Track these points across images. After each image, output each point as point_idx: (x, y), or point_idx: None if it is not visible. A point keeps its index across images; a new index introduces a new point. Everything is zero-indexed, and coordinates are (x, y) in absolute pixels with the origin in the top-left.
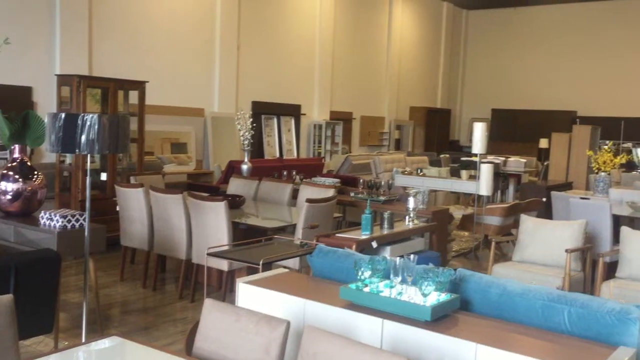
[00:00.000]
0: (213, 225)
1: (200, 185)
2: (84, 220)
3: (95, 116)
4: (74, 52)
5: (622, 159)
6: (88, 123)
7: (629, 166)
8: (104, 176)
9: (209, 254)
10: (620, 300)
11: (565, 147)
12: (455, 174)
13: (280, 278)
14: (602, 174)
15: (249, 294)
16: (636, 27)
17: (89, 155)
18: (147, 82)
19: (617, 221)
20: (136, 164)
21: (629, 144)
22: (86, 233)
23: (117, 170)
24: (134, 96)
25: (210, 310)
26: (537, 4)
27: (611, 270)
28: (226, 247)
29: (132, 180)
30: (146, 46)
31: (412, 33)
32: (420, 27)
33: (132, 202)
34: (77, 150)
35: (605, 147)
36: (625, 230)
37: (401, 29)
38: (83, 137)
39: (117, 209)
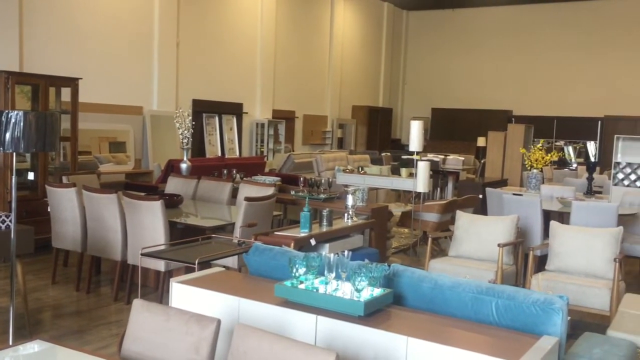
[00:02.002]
0: (149, 225)
1: (139, 185)
2: (10, 221)
3: (21, 113)
4: (3, 47)
5: (553, 156)
6: (13, 120)
7: (561, 163)
8: (31, 175)
9: (143, 254)
10: (548, 292)
11: (500, 145)
12: (395, 172)
13: (215, 277)
14: (534, 171)
15: (183, 294)
16: (567, 29)
17: (14, 154)
18: (81, 78)
19: (548, 216)
20: (70, 164)
21: (561, 142)
22: (12, 235)
23: (49, 170)
24: (67, 93)
25: (140, 310)
26: (475, 6)
27: (542, 263)
28: (162, 247)
29: (65, 180)
30: (81, 42)
31: (354, 33)
32: (361, 26)
33: (64, 202)
34: (1, 149)
35: (538, 145)
36: (554, 224)
37: (343, 28)
38: (7, 135)
39: (49, 209)
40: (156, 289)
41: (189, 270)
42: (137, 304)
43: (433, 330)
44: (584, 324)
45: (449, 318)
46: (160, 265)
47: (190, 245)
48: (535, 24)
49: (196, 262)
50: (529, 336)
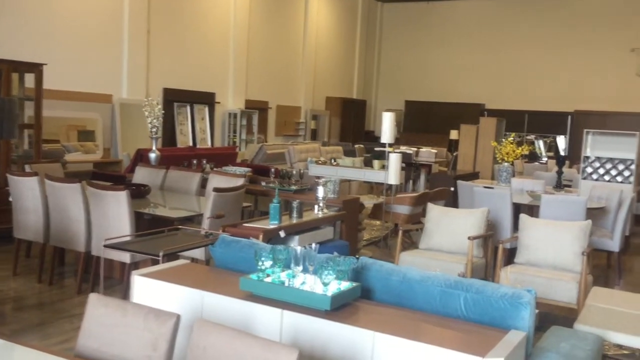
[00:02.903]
0: (114, 215)
1: (107, 174)
2: None
3: None
4: None
5: (524, 150)
6: None
7: (532, 157)
8: None
9: (106, 246)
10: (517, 285)
11: (473, 139)
12: (368, 163)
13: (179, 270)
14: (505, 164)
15: (145, 287)
16: (540, 24)
17: None
18: (45, 64)
19: (518, 209)
20: (34, 152)
21: (532, 136)
22: None
23: (13, 158)
24: (31, 80)
25: (96, 305)
26: None
27: (512, 256)
28: (127, 239)
29: (27, 168)
30: (47, 27)
31: (329, 23)
32: (336, 17)
33: (26, 191)
34: None
35: (509, 138)
36: (523, 217)
37: (317, 19)
38: None
39: (10, 199)
40: (122, 281)
41: (156, 262)
42: (93, 298)
43: (400, 324)
44: (552, 316)
45: (417, 312)
46: (125, 256)
47: (156, 236)
48: (509, 19)
49: (160, 254)
50: (497, 330)
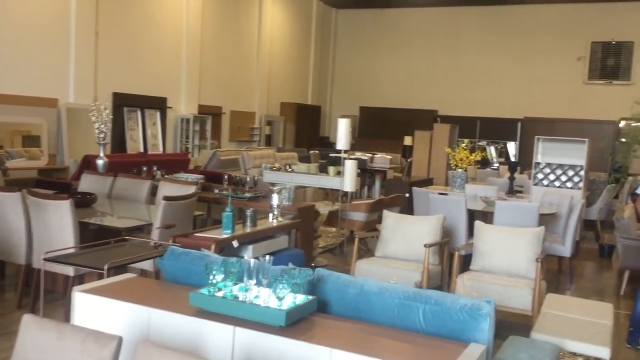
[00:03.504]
0: (57, 226)
1: (52, 182)
2: None
3: None
4: None
5: (477, 156)
6: None
7: (484, 163)
8: None
9: (46, 259)
10: (473, 293)
11: (427, 145)
12: (324, 170)
13: (125, 285)
14: (460, 170)
15: (87, 305)
16: (490, 32)
17: None
18: None
19: (472, 216)
20: None
21: (483, 143)
22: None
23: None
24: None
25: (30, 327)
26: (404, 6)
27: (467, 263)
28: (72, 251)
29: None
30: None
31: (283, 29)
32: (291, 23)
33: None
34: None
35: (462, 145)
36: (479, 224)
37: (272, 24)
38: None
39: None
40: (65, 295)
41: (102, 276)
42: (27, 320)
43: (359, 340)
44: (507, 324)
45: (375, 326)
46: (69, 270)
47: (102, 248)
48: (461, 26)
49: (105, 268)
50: (457, 344)
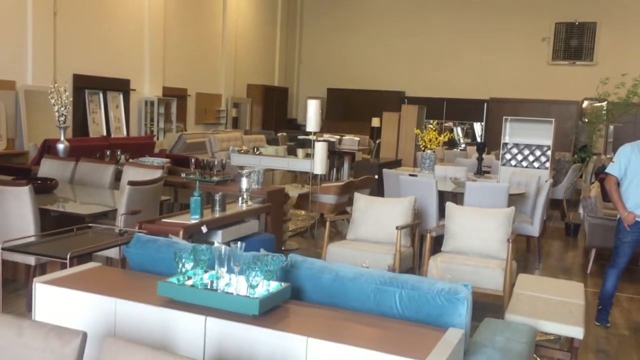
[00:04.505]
0: (15, 213)
1: (10, 167)
2: None
3: None
4: None
5: (445, 137)
6: None
7: (451, 144)
8: None
9: (3, 249)
10: (447, 276)
11: (395, 126)
12: (292, 152)
13: (89, 274)
14: (429, 151)
15: (49, 296)
16: (455, 12)
17: None
18: None
19: (442, 197)
20: None
21: (450, 123)
22: None
23: None
24: None
25: None
26: None
27: (437, 244)
28: (32, 239)
29: None
30: None
31: (249, 9)
32: (256, 3)
33: None
34: None
35: (430, 125)
36: (449, 205)
37: (237, 4)
38: None
39: None
40: (27, 285)
41: (65, 265)
42: None
43: (335, 327)
44: (479, 304)
45: (351, 312)
46: (29, 259)
47: (64, 236)
48: (427, 7)
49: (67, 256)
50: (434, 329)
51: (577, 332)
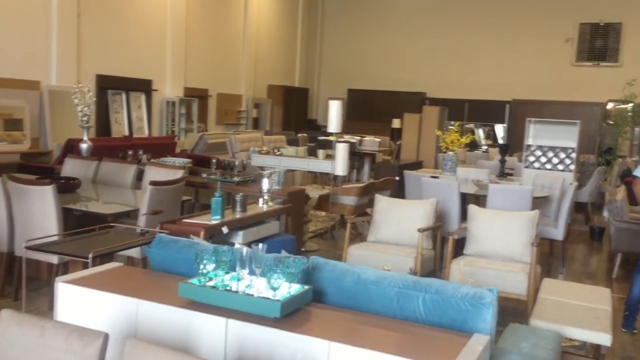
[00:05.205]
0: (39, 212)
1: (34, 166)
2: None
3: None
4: None
5: (467, 138)
6: None
7: (473, 145)
8: None
9: (27, 247)
10: (469, 279)
11: (416, 127)
12: (312, 153)
13: (110, 274)
14: (450, 153)
15: (71, 296)
16: (478, 13)
17: None
18: None
19: (465, 199)
20: None
21: (471, 125)
22: None
23: None
24: None
25: (9, 323)
26: None
27: (459, 247)
28: (55, 238)
29: None
30: None
31: (270, 9)
32: (277, 3)
33: None
34: None
35: (452, 127)
36: (472, 208)
37: (258, 4)
38: None
39: None
40: (49, 283)
41: (87, 264)
42: (6, 315)
43: (356, 331)
44: (502, 308)
45: (374, 316)
46: (52, 257)
47: (87, 235)
48: (449, 7)
49: (90, 256)
50: (459, 335)
51: (604, 338)
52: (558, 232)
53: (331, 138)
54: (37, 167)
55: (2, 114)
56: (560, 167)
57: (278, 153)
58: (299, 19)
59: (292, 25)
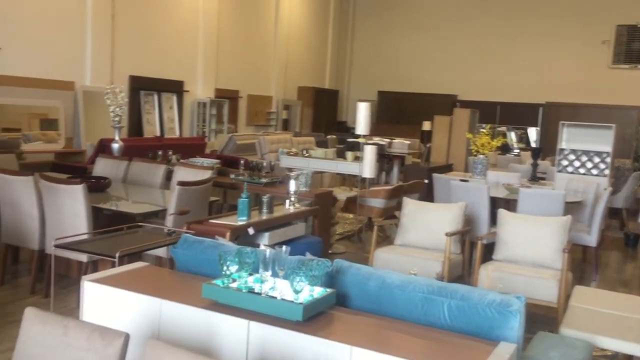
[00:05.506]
0: (69, 211)
1: (67, 165)
2: None
3: None
4: None
5: (498, 142)
6: None
7: (504, 149)
8: None
9: (56, 246)
10: (498, 285)
11: (446, 130)
12: (341, 155)
13: (136, 274)
14: (481, 156)
15: (97, 295)
16: (511, 15)
17: None
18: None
19: (494, 203)
20: None
21: (503, 128)
22: None
23: None
24: None
25: (32, 322)
26: None
27: (487, 252)
28: (84, 237)
29: None
30: (1, 9)
31: (301, 12)
32: (308, 6)
33: None
34: None
35: (483, 130)
36: (502, 212)
37: (290, 7)
38: None
39: None
40: (79, 281)
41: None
42: (30, 313)
43: (381, 337)
44: (531, 315)
45: (398, 321)
46: (81, 256)
47: (115, 234)
48: (481, 9)
49: (116, 255)
50: (485, 342)
51: (637, 349)
52: (591, 239)
53: (360, 140)
54: (70, 166)
55: (38, 114)
56: (594, 171)
57: (306, 154)
58: (330, 21)
59: (323, 27)
